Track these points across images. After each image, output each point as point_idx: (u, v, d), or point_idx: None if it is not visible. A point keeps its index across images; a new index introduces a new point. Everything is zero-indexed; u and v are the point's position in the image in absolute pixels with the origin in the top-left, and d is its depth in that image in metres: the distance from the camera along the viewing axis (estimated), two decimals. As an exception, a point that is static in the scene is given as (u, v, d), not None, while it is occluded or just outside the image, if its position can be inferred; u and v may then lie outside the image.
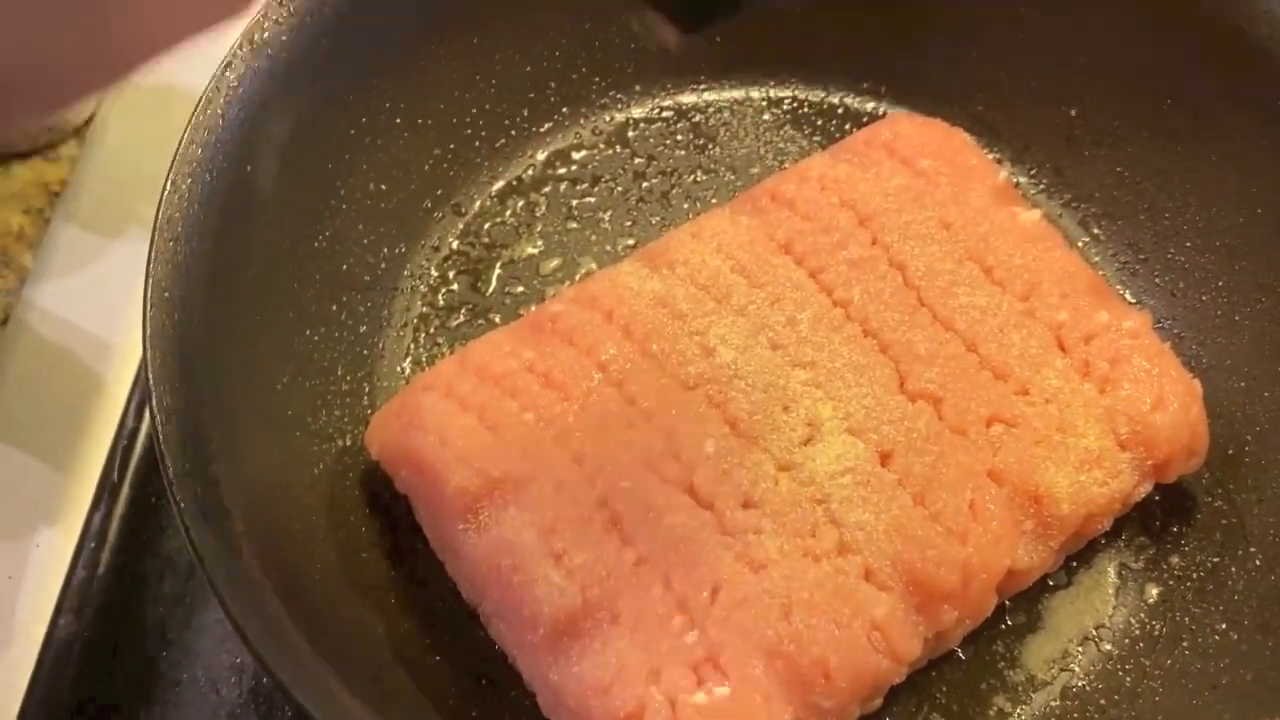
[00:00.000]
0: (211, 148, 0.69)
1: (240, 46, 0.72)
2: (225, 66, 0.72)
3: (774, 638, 0.63)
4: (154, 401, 0.60)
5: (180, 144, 0.68)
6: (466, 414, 0.70)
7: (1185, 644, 0.73)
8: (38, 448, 0.90)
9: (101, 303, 0.96)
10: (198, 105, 0.70)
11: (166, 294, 0.64)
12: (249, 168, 0.72)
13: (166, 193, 0.66)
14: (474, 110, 0.90)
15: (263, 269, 0.74)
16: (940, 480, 0.68)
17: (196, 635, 0.84)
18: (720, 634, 0.63)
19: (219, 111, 0.70)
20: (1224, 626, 0.72)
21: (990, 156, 0.92)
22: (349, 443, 0.77)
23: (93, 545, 0.85)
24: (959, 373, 0.72)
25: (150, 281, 0.63)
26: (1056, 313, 0.75)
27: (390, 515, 0.76)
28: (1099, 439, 0.71)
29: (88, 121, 1.05)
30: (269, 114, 0.73)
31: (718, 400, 0.71)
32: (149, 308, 0.62)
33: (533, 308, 0.82)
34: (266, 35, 0.74)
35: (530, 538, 0.66)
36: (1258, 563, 0.73)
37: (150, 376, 0.60)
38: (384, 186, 0.85)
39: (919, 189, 0.79)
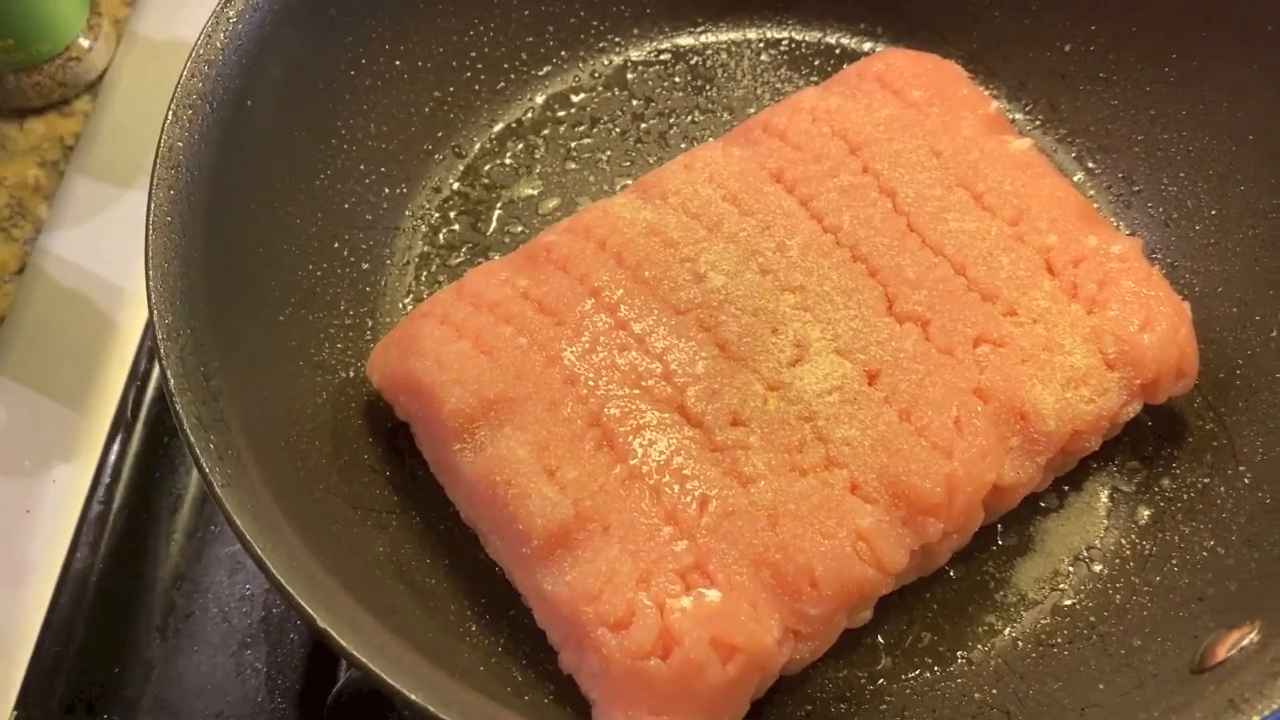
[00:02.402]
0: (211, 80, 0.71)
1: (239, -17, 0.74)
2: (225, 2, 0.73)
3: (761, 546, 0.65)
4: (154, 316, 0.62)
5: (181, 76, 0.70)
6: (462, 339, 0.72)
7: (1174, 561, 0.74)
8: (54, 389, 0.93)
9: (114, 251, 0.99)
10: (197, 40, 0.71)
11: (168, 218, 0.66)
12: (249, 102, 0.74)
13: (167, 123, 0.68)
14: (473, 54, 0.91)
15: (263, 203, 0.76)
16: (926, 398, 0.69)
17: (208, 568, 0.87)
18: (708, 543, 0.65)
19: (218, 45, 0.72)
20: (1212, 543, 0.73)
21: (986, 93, 0.92)
22: (351, 375, 0.79)
23: (107, 481, 0.88)
24: (947, 295, 0.73)
25: (151, 205, 0.65)
26: (1045, 237, 0.76)
27: (392, 444, 0.77)
28: (1086, 357, 0.72)
29: (101, 76, 1.07)
30: (268, 51, 0.75)
31: (708, 324, 0.72)
32: (150, 231, 0.64)
33: (533, 246, 0.83)
34: (266, -29, 0.75)
35: (524, 454, 0.67)
36: (1246, 480, 0.74)
37: (151, 294, 0.62)
38: (385, 128, 0.87)
39: (910, 118, 0.80)
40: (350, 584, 0.62)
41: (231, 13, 0.73)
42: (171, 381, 0.60)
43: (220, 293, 0.68)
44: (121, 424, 0.90)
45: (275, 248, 0.77)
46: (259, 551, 0.55)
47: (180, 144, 0.68)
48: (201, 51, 0.71)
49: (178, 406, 0.60)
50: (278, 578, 0.55)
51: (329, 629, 0.54)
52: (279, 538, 0.58)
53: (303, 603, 0.55)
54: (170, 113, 0.69)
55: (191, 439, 0.59)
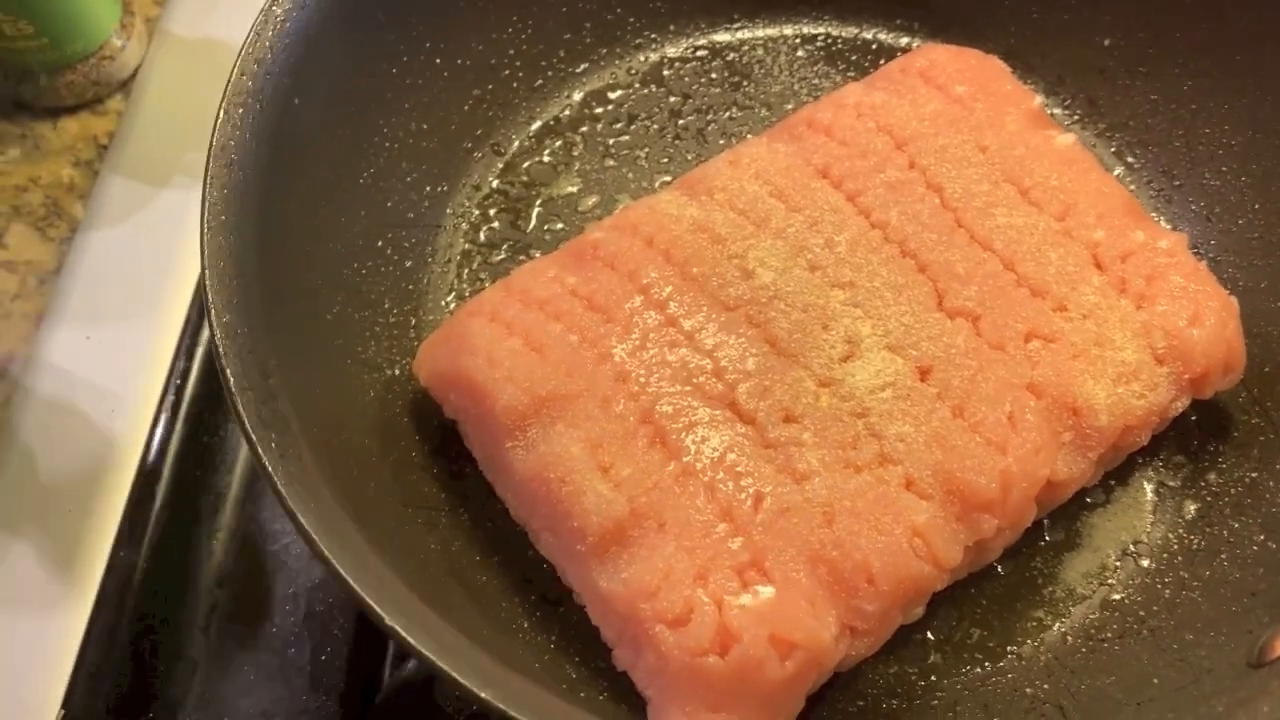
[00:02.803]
0: (260, 79, 0.71)
1: (285, -18, 0.74)
2: (272, 1, 0.73)
3: (817, 543, 0.65)
4: (212, 317, 0.62)
5: (231, 75, 0.70)
6: (513, 336, 0.72)
7: (1224, 556, 0.74)
8: (89, 393, 0.92)
9: (151, 248, 0.99)
10: (245, 40, 0.71)
11: (222, 217, 0.66)
12: (296, 101, 0.74)
13: (219, 121, 0.68)
14: (511, 51, 0.91)
15: (310, 201, 0.76)
16: (979, 393, 0.69)
17: (250, 567, 0.87)
18: (764, 540, 0.65)
19: (267, 44, 0.72)
20: (1262, 537, 0.73)
21: (1028, 89, 0.92)
22: (397, 372, 0.79)
23: (149, 480, 0.88)
24: (997, 290, 0.73)
25: (206, 205, 0.65)
26: (1093, 232, 0.76)
27: (439, 441, 0.78)
28: (1136, 353, 0.72)
29: (133, 75, 1.07)
30: (314, 50, 0.75)
31: (758, 320, 0.72)
32: (205, 230, 0.64)
33: (573, 243, 0.83)
34: (311, -30, 0.75)
35: (578, 451, 0.67)
36: (1295, 475, 0.74)
37: (209, 294, 0.62)
38: (425, 126, 0.87)
39: (954, 114, 0.80)
40: (411, 582, 0.62)
41: (279, 11, 0.73)
42: (231, 380, 0.60)
43: (272, 291, 0.68)
44: (161, 423, 0.90)
45: (322, 246, 0.77)
46: (324, 550, 0.55)
47: (233, 142, 0.68)
48: (251, 50, 0.71)
49: (239, 405, 0.60)
50: (344, 576, 0.55)
51: (397, 627, 0.54)
52: (343, 536, 0.58)
53: (372, 602, 0.55)
54: (222, 111, 0.69)
55: (254, 437, 0.59)
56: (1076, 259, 0.75)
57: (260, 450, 0.58)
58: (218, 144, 0.67)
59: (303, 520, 0.56)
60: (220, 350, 0.61)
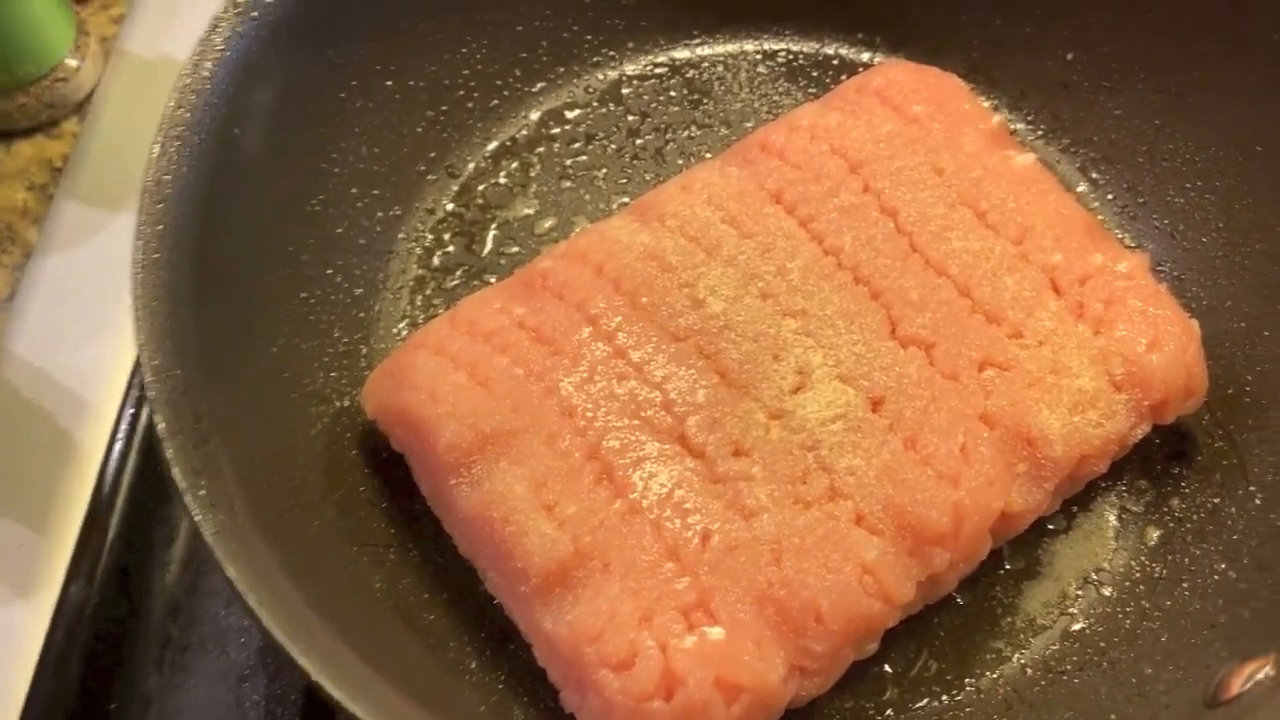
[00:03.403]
0: (199, 110, 0.70)
1: (226, 10, 0.73)
2: (211, 30, 0.72)
3: (764, 582, 0.63)
4: (142, 358, 0.60)
5: (165, 107, 0.69)
6: (457, 371, 0.70)
7: (1185, 585, 0.72)
8: (41, 421, 0.91)
9: (106, 274, 0.97)
10: (183, 68, 0.70)
11: (156, 255, 0.64)
12: (237, 130, 0.72)
13: (154, 156, 0.67)
14: (465, 72, 0.90)
15: (254, 232, 0.75)
16: (931, 425, 0.68)
17: (203, 599, 0.85)
18: (711, 579, 0.63)
19: (205, 74, 0.70)
20: (1223, 566, 0.72)
21: (987, 103, 0.91)
22: (347, 404, 0.78)
23: (102, 512, 0.87)
24: (951, 318, 0.72)
25: (138, 244, 0.64)
26: (1050, 255, 0.74)
27: (389, 474, 0.76)
28: (1093, 380, 0.70)
29: (89, 97, 1.05)
30: (256, 77, 0.73)
31: (708, 351, 0.71)
32: (136, 269, 0.63)
33: (528, 267, 0.82)
34: (251, -1, 0.74)
35: (521, 490, 0.66)
36: (1258, 502, 0.73)
37: (139, 335, 0.61)
38: (377, 150, 0.85)
39: (911, 135, 0.78)
40: (346, 626, 0.61)
41: (218, 39, 0.72)
42: (161, 426, 0.59)
43: (211, 328, 0.67)
44: (115, 453, 0.89)
45: (267, 276, 0.76)
46: (251, 602, 0.54)
47: (167, 177, 0.67)
48: (187, 81, 0.70)
49: (168, 452, 0.58)
50: (269, 628, 0.54)
51: (323, 680, 0.53)
52: (272, 586, 0.57)
53: (296, 653, 0.54)
54: (156, 145, 0.67)
55: (182, 486, 0.58)
56: (1033, 283, 0.73)
57: (189, 498, 0.57)
58: (151, 180, 0.66)
59: (229, 570, 0.55)
60: (151, 395, 0.60)
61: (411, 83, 0.87)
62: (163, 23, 1.10)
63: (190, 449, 0.59)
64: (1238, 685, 0.61)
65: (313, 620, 0.58)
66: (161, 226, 0.65)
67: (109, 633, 0.84)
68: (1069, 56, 0.89)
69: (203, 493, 0.58)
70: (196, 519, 0.57)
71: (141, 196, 0.65)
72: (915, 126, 0.79)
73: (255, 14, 0.73)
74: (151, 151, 0.67)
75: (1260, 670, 0.60)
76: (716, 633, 0.62)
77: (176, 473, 0.58)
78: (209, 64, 0.71)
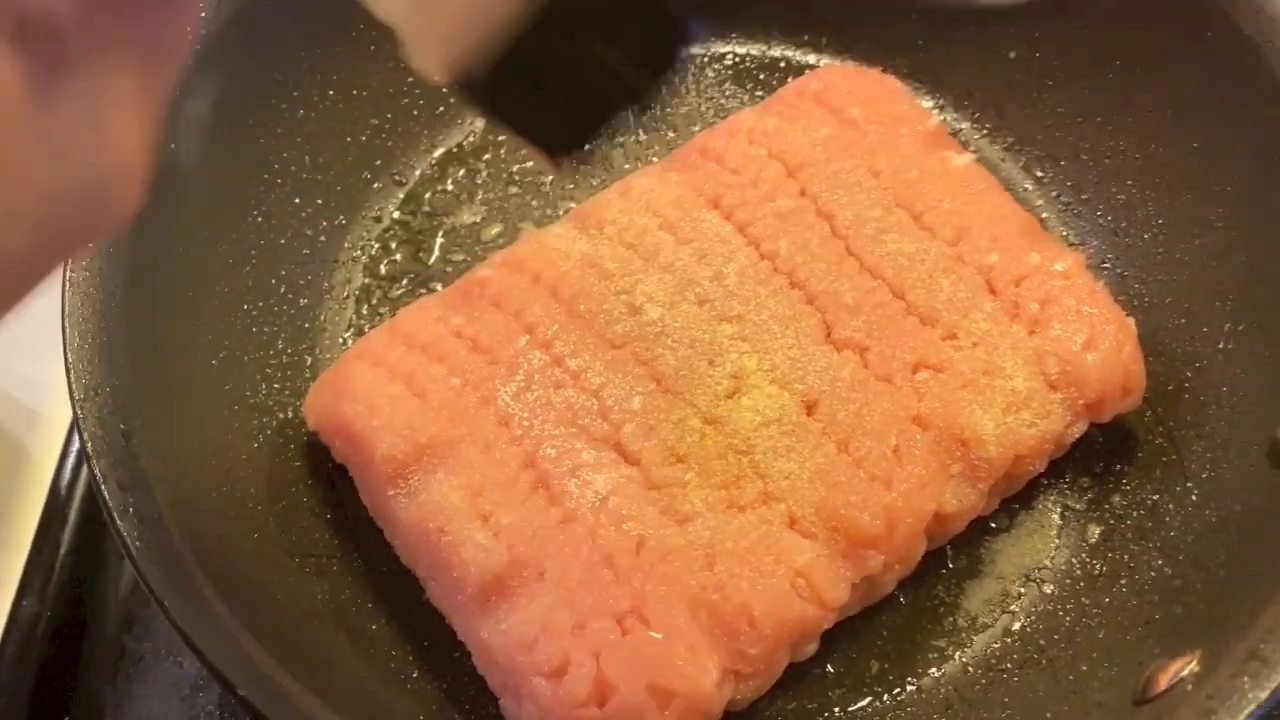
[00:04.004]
0: (129, 126, 0.69)
1: (157, 25, 0.73)
2: (142, 46, 0.72)
3: (698, 587, 0.64)
4: (71, 380, 0.61)
5: (97, 124, 0.68)
6: (394, 381, 0.71)
7: (1123, 582, 0.73)
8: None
9: (58, 284, 0.97)
10: (114, 85, 0.70)
11: (87, 273, 0.65)
12: (172, 146, 0.73)
13: (84, 173, 0.67)
14: (410, 79, 0.90)
15: (193, 247, 0.75)
16: (864, 427, 0.68)
17: (157, 611, 0.85)
18: (645, 586, 0.64)
19: (136, 90, 0.70)
20: (1160, 563, 0.72)
21: (932, 103, 0.92)
22: (290, 415, 0.78)
23: (54, 524, 0.87)
24: (885, 320, 0.72)
25: (68, 261, 0.64)
26: (986, 256, 0.75)
27: (333, 484, 0.76)
28: (1027, 380, 0.71)
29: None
30: (189, 94, 0.73)
31: (644, 357, 0.71)
32: (65, 287, 0.63)
33: (475, 276, 0.82)
34: (185, 12, 0.74)
35: (457, 500, 0.66)
36: (1194, 498, 0.73)
37: (67, 354, 0.61)
38: (320, 159, 0.86)
39: (848, 138, 0.79)
40: (281, 641, 0.61)
41: (150, 55, 0.72)
42: (89, 444, 0.59)
43: (146, 345, 0.67)
44: (68, 465, 0.89)
45: (207, 290, 0.76)
46: (178, 620, 0.55)
47: (97, 195, 0.66)
48: (118, 97, 0.69)
49: (96, 470, 0.59)
50: (194, 642, 0.54)
51: (249, 697, 0.53)
52: (199, 601, 0.57)
53: (220, 666, 0.54)
54: (86, 163, 0.67)
55: (110, 503, 0.58)
56: (969, 285, 0.74)
57: (115, 515, 0.57)
58: (81, 197, 0.66)
59: (154, 586, 0.55)
60: (79, 413, 0.60)
61: (355, 91, 0.87)
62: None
63: (119, 467, 0.60)
64: (1164, 682, 0.61)
65: (241, 634, 0.58)
66: (90, 244, 0.65)
67: (62, 645, 0.84)
68: (1012, 55, 0.89)
69: (130, 510, 0.58)
70: (123, 536, 0.57)
71: (71, 214, 0.65)
72: (852, 129, 0.79)
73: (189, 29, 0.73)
74: (81, 169, 0.67)
75: (1185, 667, 0.61)
76: (650, 639, 0.62)
77: (104, 490, 0.58)
78: (141, 79, 0.71)
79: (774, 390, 0.70)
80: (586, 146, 0.55)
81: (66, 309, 0.63)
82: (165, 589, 0.56)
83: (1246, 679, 0.57)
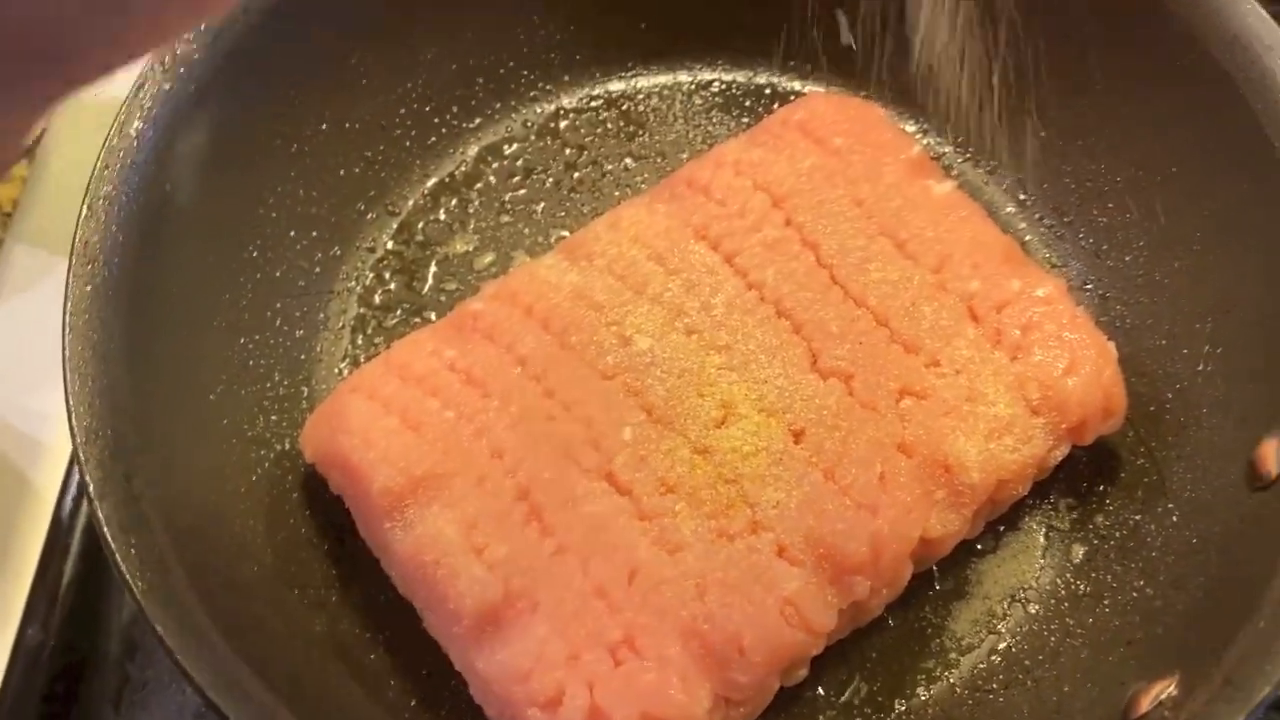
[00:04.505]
0: (127, 170, 0.71)
1: (152, 67, 0.74)
2: (138, 88, 0.73)
3: (689, 618, 0.65)
4: (73, 422, 0.62)
5: (95, 167, 0.70)
6: (389, 415, 0.72)
7: (1106, 602, 0.74)
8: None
9: (58, 319, 0.98)
10: (110, 128, 0.71)
11: (86, 316, 0.66)
12: (168, 186, 0.74)
13: (82, 217, 0.68)
14: (402, 110, 0.91)
15: (190, 284, 0.76)
16: (850, 455, 0.70)
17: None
18: (637, 617, 0.65)
19: (132, 133, 0.72)
20: (1141, 583, 0.73)
21: (916, 128, 0.93)
22: (288, 447, 0.79)
23: (57, 554, 0.88)
24: (870, 348, 0.73)
25: (68, 305, 0.65)
26: (968, 283, 0.76)
27: (331, 515, 0.78)
28: (1009, 406, 0.72)
29: (37, 141, 1.07)
30: (185, 131, 0.75)
31: (635, 388, 0.72)
32: (66, 331, 0.64)
33: (467, 305, 0.83)
34: (179, 52, 0.75)
35: (452, 533, 0.68)
36: (1175, 519, 0.75)
37: (69, 398, 0.63)
38: (314, 192, 0.87)
39: (832, 167, 0.80)
40: (282, 674, 0.63)
41: (145, 98, 0.73)
42: (91, 487, 0.61)
43: (145, 384, 0.69)
44: (70, 495, 0.90)
45: (204, 326, 0.78)
46: (180, 658, 0.56)
47: (95, 238, 0.68)
48: (115, 141, 0.71)
49: (99, 513, 0.60)
50: (198, 682, 0.56)
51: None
52: (202, 640, 0.59)
53: (223, 705, 0.55)
54: (85, 207, 0.69)
55: (112, 545, 0.59)
56: (951, 312, 0.75)
57: (119, 558, 0.59)
58: (80, 241, 0.67)
59: (159, 628, 0.57)
60: (81, 456, 0.61)
61: (347, 125, 0.88)
62: (110, 64, 1.11)
63: (121, 509, 0.61)
64: (1145, 704, 0.63)
65: (243, 672, 0.59)
66: (90, 287, 0.67)
67: (66, 674, 0.86)
68: (994, 80, 0.91)
69: (133, 552, 0.60)
70: (126, 579, 0.58)
71: (70, 259, 0.67)
72: (836, 159, 0.80)
73: (183, 69, 0.75)
74: (80, 213, 0.68)
75: (1165, 690, 0.62)
76: (643, 669, 0.64)
77: (106, 533, 0.59)
78: (136, 123, 0.72)
79: (762, 419, 0.71)
80: None
81: (67, 354, 0.64)
82: (167, 627, 0.57)
83: (1222, 705, 0.59)
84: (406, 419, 0.72)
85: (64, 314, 0.65)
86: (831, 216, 0.78)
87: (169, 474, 0.67)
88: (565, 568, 0.67)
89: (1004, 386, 0.73)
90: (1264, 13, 0.75)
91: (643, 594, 0.66)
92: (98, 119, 1.08)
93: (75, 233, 0.68)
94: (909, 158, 0.81)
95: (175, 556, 0.62)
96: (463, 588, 0.66)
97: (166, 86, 0.74)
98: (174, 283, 0.75)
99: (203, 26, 0.76)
